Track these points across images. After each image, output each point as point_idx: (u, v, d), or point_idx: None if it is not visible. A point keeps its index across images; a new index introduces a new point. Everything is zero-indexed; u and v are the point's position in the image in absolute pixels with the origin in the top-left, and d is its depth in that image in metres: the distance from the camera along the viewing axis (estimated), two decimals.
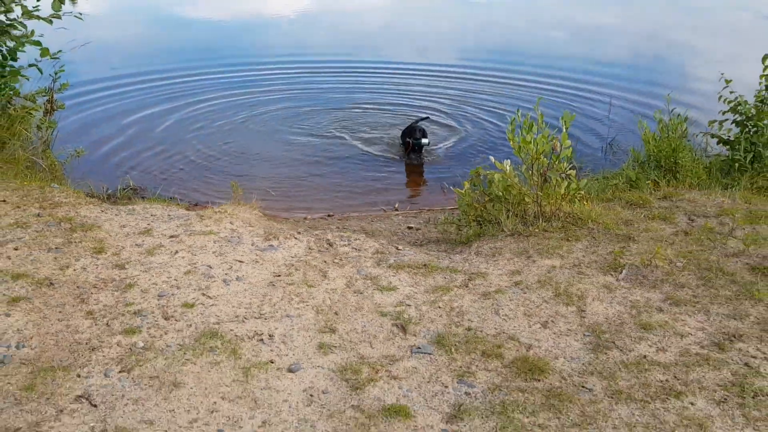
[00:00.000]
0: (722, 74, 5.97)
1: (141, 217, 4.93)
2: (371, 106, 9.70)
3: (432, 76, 11.34)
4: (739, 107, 5.81)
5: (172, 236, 4.60)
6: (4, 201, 5.02)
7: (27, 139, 6.54)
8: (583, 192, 4.91)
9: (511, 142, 4.87)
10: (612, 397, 3.01)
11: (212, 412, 2.88)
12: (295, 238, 4.75)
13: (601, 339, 3.46)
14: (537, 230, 4.78)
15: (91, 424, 2.78)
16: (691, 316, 3.63)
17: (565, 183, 4.83)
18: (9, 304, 3.63)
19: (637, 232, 4.62)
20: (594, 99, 9.64)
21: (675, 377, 3.13)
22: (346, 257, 4.51)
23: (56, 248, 4.30)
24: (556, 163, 4.81)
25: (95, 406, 2.90)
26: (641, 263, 4.17)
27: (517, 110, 4.88)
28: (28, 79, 6.69)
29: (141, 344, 3.34)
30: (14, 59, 6.47)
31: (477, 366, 3.25)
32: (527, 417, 2.88)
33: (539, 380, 3.13)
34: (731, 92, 5.95)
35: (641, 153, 6.30)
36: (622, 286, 3.98)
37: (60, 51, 6.58)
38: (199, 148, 7.99)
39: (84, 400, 2.92)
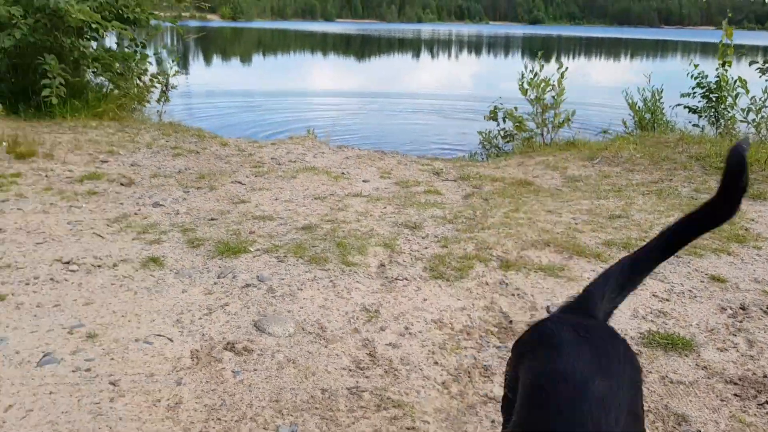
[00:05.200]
0: (692, 61, 7.66)
1: (249, 138, 6.77)
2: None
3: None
4: (702, 81, 7.46)
5: (273, 143, 6.42)
6: (145, 127, 6.92)
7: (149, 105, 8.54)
8: (571, 120, 6.59)
9: (519, 88, 6.62)
10: (573, 192, 4.63)
11: (317, 187, 4.60)
12: (357, 149, 6.52)
13: (573, 181, 5.09)
14: (545, 151, 6.45)
15: (242, 189, 4.51)
16: (639, 174, 5.24)
17: (562, 115, 6.53)
18: (173, 156, 5.44)
19: (613, 147, 6.25)
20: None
21: (619, 188, 4.74)
22: (391, 157, 6.26)
23: (194, 141, 6.14)
24: (557, 99, 6.52)
25: (243, 184, 4.63)
26: (611, 155, 5.81)
27: (524, 66, 6.64)
28: (150, 63, 8.73)
29: (264, 170, 5.10)
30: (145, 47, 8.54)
31: (486, 184, 4.91)
32: (517, 196, 4.52)
33: (527, 187, 4.78)
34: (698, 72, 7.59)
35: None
36: (594, 165, 5.62)
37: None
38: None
39: (236, 182, 4.67)
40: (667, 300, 2.81)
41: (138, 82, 8.52)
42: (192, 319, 2.52)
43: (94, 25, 6.89)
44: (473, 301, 2.74)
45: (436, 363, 2.29)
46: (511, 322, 2.59)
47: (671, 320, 2.64)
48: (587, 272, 3.06)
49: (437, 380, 2.19)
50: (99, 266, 2.99)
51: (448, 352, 2.36)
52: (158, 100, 8.77)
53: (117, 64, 7.91)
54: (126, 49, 8.35)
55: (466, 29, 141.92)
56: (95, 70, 7.61)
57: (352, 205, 4.10)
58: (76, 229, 3.49)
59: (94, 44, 7.83)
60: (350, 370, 2.23)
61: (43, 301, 2.61)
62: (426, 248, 3.31)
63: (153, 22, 8.28)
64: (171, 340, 2.35)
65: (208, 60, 27.58)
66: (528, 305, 2.72)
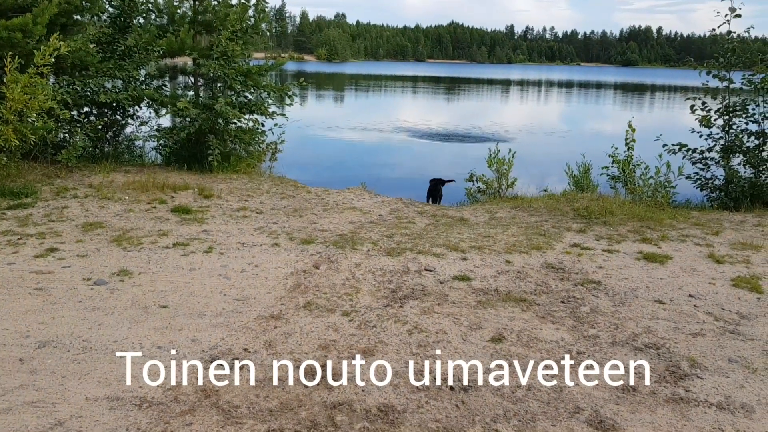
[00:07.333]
0: (613, 145, 11.63)
1: (324, 187, 11.37)
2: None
3: None
4: (615, 158, 11.41)
5: (336, 192, 10.96)
6: (263, 179, 11.63)
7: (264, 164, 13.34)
8: (516, 182, 10.79)
9: (488, 162, 10.90)
10: (484, 225, 8.86)
11: (353, 217, 9.05)
12: (384, 196, 10.96)
13: (492, 219, 9.29)
14: (497, 202, 10.66)
15: (315, 217, 8.99)
16: (532, 217, 9.36)
17: (513, 180, 10.75)
18: (281, 198, 10.06)
19: (533, 201, 10.34)
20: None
21: (508, 223, 8.91)
22: (401, 202, 10.64)
23: (292, 189, 10.76)
24: (508, 170, 10.76)
25: (316, 215, 9.13)
26: (527, 205, 9.96)
27: (489, 149, 10.91)
28: (266, 137, 13.54)
29: (329, 207, 9.62)
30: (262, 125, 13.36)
31: (442, 219, 9.21)
32: (454, 226, 8.79)
33: (463, 221, 9.06)
34: (615, 149, 11.54)
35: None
36: (512, 210, 9.78)
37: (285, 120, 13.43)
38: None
39: (313, 214, 9.17)
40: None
41: (259, 148, 13.36)
42: (289, 263, 6.96)
43: (234, 118, 11.75)
44: (399, 262, 7.05)
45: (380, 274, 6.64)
46: (408, 270, 6.88)
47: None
48: (455, 258, 7.30)
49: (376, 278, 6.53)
50: (253, 245, 7.52)
51: (383, 275, 6.70)
52: (270, 160, 13.59)
53: (247, 137, 12.77)
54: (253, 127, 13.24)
55: (557, 74, 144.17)
56: (236, 142, 12.49)
57: (365, 226, 8.52)
58: (240, 231, 8.08)
59: (234, 127, 12.72)
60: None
61: (237, 256, 7.15)
62: (389, 245, 7.66)
63: (271, 109, 13.10)
64: (286, 265, 6.81)
65: (305, 106, 33.11)
66: (420, 265, 7.00)
